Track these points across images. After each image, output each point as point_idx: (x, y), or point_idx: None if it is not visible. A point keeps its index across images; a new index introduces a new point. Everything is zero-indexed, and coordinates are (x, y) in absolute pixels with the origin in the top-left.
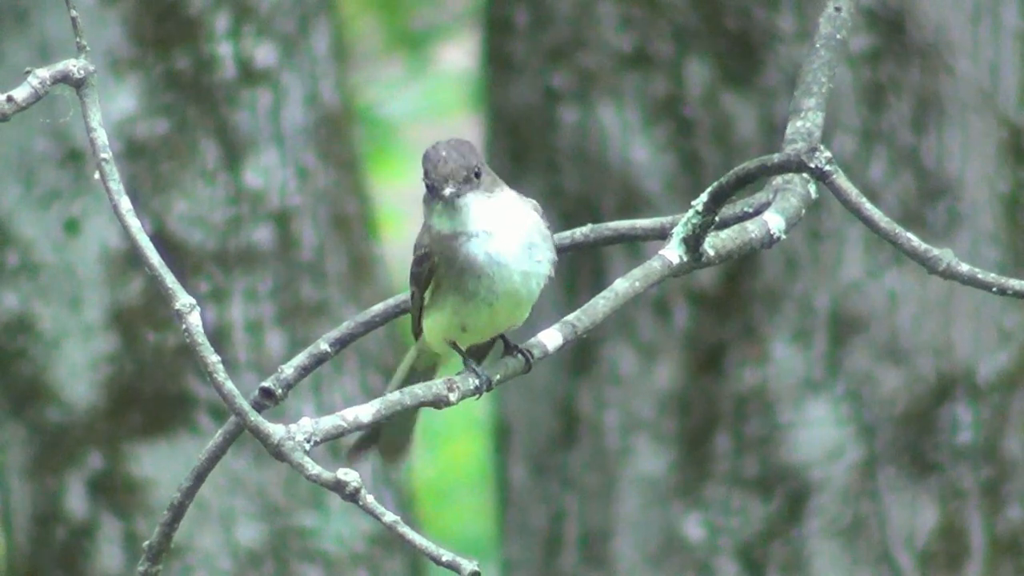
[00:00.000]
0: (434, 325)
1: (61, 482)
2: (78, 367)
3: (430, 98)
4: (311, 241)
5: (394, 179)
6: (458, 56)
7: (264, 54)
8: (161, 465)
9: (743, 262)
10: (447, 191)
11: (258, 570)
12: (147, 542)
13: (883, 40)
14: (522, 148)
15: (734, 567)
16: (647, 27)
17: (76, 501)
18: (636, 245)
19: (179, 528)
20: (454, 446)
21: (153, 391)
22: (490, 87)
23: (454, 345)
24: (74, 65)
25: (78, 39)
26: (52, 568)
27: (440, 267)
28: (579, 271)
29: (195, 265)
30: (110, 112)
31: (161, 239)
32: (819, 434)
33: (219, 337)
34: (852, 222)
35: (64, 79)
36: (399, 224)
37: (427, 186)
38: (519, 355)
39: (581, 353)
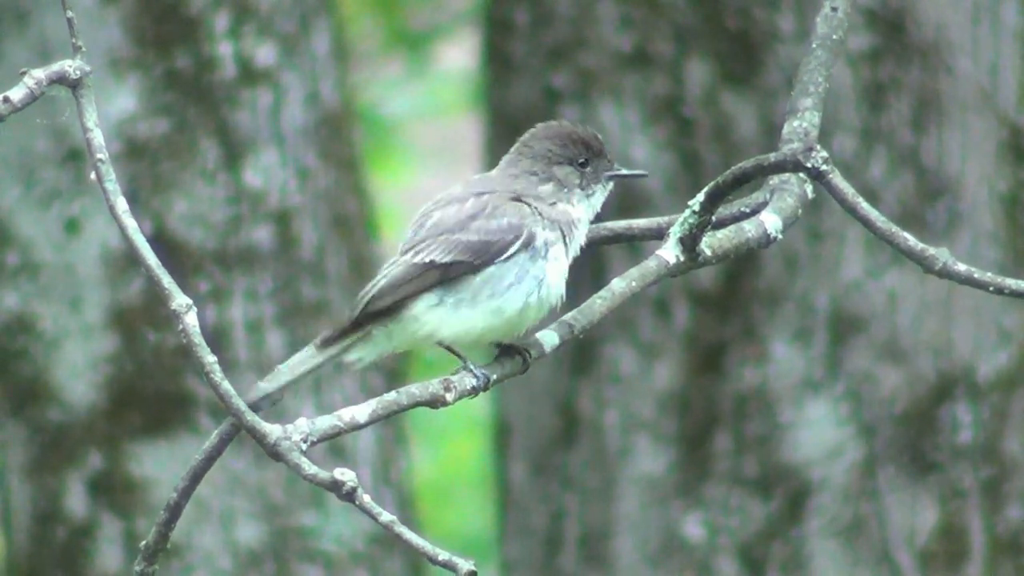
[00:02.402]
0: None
1: (61, 482)
2: (78, 367)
3: (430, 98)
4: (311, 241)
5: (394, 179)
6: (458, 56)
7: (264, 54)
8: (161, 465)
9: (743, 262)
10: (610, 172)
11: (258, 570)
12: (143, 542)
13: (883, 40)
14: None
15: (734, 567)
16: (647, 27)
17: (76, 501)
18: (638, 244)
19: (179, 527)
20: (454, 446)
21: (153, 391)
22: (490, 87)
23: (449, 349)
24: (70, 66)
25: (74, 40)
26: (52, 568)
27: (530, 242)
28: (579, 270)
29: (195, 265)
30: (110, 112)
31: (161, 239)
32: (819, 434)
33: (219, 337)
34: (852, 222)
35: (60, 80)
36: (399, 224)
37: (592, 162)
38: (516, 355)
39: (581, 353)
